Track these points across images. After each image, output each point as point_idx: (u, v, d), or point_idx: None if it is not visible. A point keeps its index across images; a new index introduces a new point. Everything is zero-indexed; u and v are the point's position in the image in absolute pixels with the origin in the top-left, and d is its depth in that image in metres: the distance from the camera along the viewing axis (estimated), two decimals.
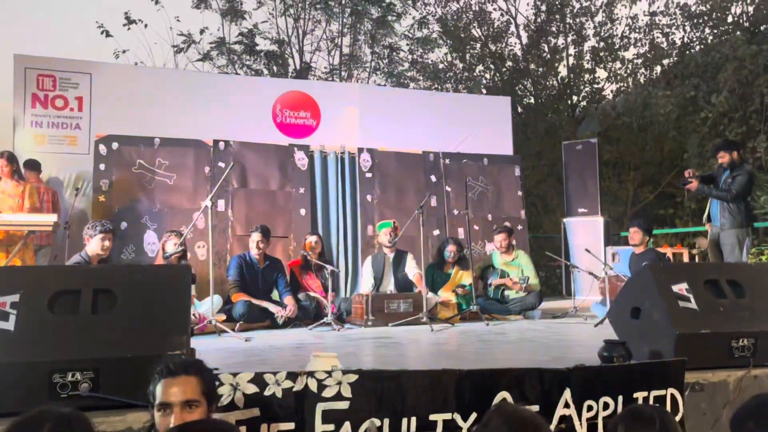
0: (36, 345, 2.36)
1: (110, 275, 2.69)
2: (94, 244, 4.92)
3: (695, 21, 14.34)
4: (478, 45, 15.98)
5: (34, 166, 6.32)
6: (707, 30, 14.31)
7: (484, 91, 14.99)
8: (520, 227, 8.09)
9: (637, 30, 15.11)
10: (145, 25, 13.21)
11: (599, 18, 15.24)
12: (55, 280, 2.57)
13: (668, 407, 2.72)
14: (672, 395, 2.75)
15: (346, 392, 2.38)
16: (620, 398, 2.67)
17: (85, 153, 6.72)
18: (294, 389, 2.34)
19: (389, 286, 6.33)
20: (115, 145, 6.49)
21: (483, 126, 8.52)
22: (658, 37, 14.97)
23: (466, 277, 6.42)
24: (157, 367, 1.89)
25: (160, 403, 1.83)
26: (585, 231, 8.81)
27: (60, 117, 6.78)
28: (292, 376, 2.37)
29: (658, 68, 14.99)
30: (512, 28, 15.89)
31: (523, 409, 2.06)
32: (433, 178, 7.84)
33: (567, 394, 2.62)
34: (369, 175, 7.55)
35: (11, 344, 2.34)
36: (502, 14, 15.89)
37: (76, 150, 6.78)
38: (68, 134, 6.80)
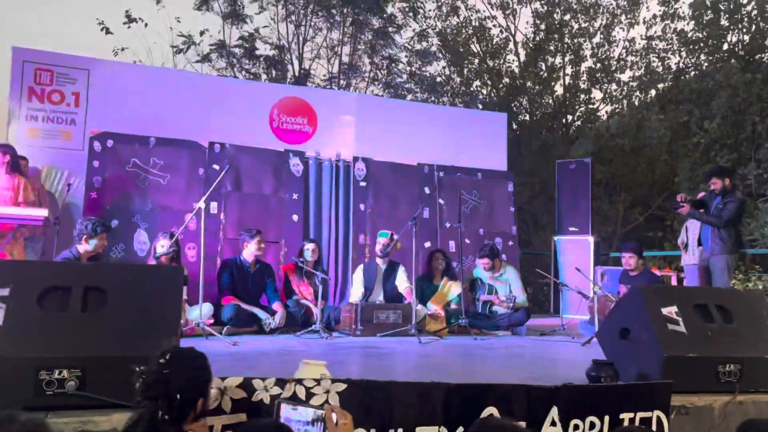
0: (24, 340, 2.33)
1: (102, 273, 2.67)
2: (93, 244, 4.89)
3: (691, 47, 14.54)
4: (477, 60, 16.10)
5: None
6: (702, 56, 14.51)
7: (480, 106, 15.08)
8: (510, 243, 8.12)
9: (633, 53, 15.31)
10: (145, 24, 13.20)
11: (597, 39, 15.42)
12: (46, 275, 2.55)
13: (654, 430, 2.73)
14: (658, 417, 2.77)
15: (334, 401, 2.38)
16: (606, 418, 2.68)
17: (79, 149, 6.67)
18: (282, 396, 2.33)
19: (379, 296, 6.32)
20: (109, 143, 6.46)
21: (478, 141, 8.55)
22: (654, 61, 15.17)
23: (455, 288, 6.44)
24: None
25: None
26: (575, 250, 8.84)
27: (55, 112, 6.74)
28: (281, 382, 2.36)
29: (653, 92, 15.17)
30: (511, 45, 16.03)
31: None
32: (427, 191, 7.86)
33: (554, 412, 2.63)
34: (363, 184, 7.56)
35: None
36: (501, 31, 16.03)
37: (70, 145, 6.73)
38: (63, 129, 6.76)
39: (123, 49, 13.34)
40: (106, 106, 6.83)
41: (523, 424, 2.54)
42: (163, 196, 6.56)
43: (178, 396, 1.85)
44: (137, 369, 1.85)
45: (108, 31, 12.90)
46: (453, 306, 6.40)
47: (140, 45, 20.23)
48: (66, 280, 2.53)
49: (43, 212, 5.18)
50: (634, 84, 15.36)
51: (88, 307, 2.47)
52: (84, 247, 4.90)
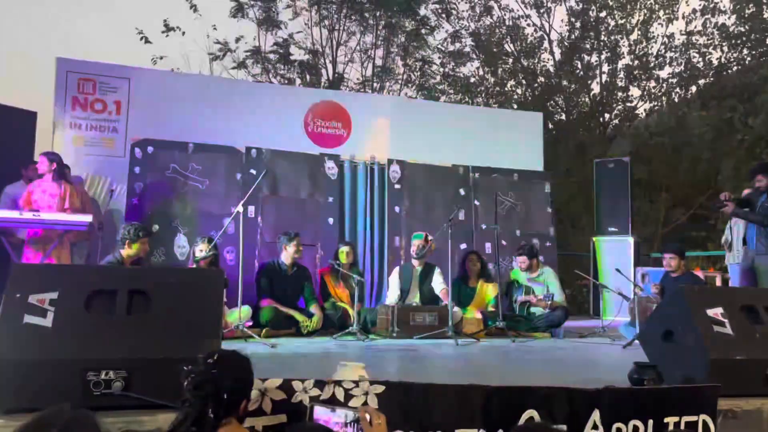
0: (72, 343, 2.40)
1: (146, 277, 2.73)
2: (135, 248, 5.00)
3: (733, 41, 14.13)
4: (511, 60, 15.94)
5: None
6: (745, 51, 14.09)
7: (515, 106, 14.94)
8: (548, 244, 8.02)
9: (673, 49, 14.94)
10: (183, 33, 13.47)
11: (635, 36, 15.11)
12: (92, 279, 2.62)
13: None
14: (704, 422, 2.69)
15: (373, 403, 2.38)
16: (650, 422, 2.62)
17: (120, 156, 6.84)
18: (321, 397, 2.34)
19: (415, 298, 6.32)
20: (150, 149, 6.61)
21: (514, 141, 8.47)
22: (694, 57, 14.78)
23: (492, 290, 6.39)
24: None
25: None
26: (615, 250, 8.69)
27: (98, 120, 6.92)
28: (320, 384, 2.38)
29: (694, 88, 14.78)
30: (545, 44, 15.84)
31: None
32: (462, 192, 7.82)
33: (596, 416, 2.58)
34: (398, 186, 7.57)
35: (48, 341, 2.39)
36: (535, 30, 15.86)
37: (113, 152, 6.91)
38: (105, 137, 6.94)
39: (161, 58, 13.64)
40: (147, 113, 7.00)
41: (563, 427, 2.51)
42: (202, 200, 6.67)
43: (225, 396, 1.88)
44: (186, 368, 1.89)
45: (147, 41, 13.21)
46: (490, 308, 6.35)
47: (178, 53, 20.66)
48: (112, 284, 2.59)
49: (87, 218, 5.32)
50: (674, 81, 15.00)
51: (132, 310, 2.52)
52: (127, 251, 5.02)
